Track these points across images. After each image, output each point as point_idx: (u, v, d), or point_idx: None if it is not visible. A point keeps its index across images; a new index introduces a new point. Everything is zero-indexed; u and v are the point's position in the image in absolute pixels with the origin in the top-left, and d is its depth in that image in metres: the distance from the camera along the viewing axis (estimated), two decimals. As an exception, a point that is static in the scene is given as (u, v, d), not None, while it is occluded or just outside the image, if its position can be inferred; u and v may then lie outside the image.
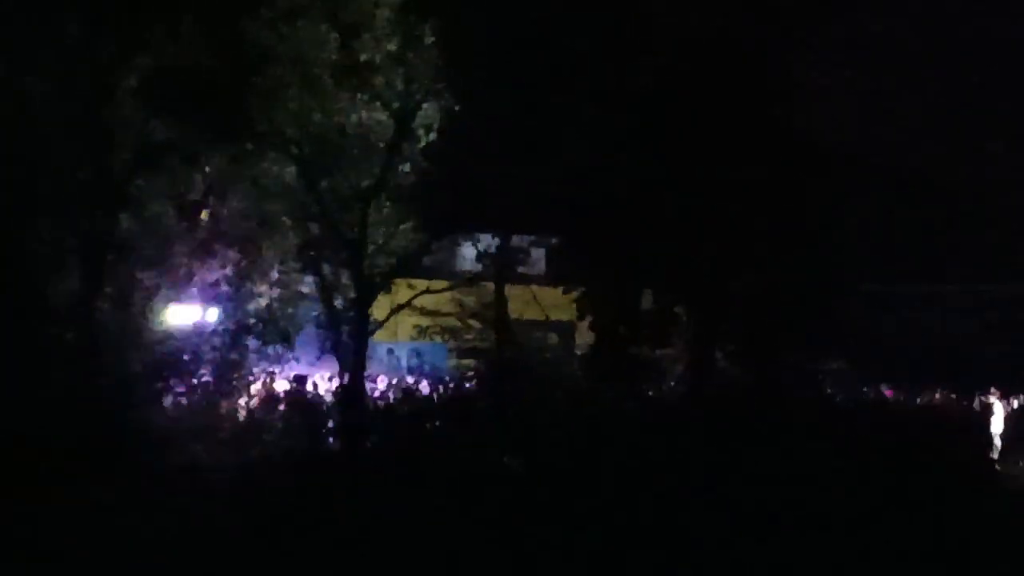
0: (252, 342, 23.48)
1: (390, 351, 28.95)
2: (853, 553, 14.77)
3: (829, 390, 26.57)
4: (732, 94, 23.63)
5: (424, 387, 25.91)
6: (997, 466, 23.00)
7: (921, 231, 28.93)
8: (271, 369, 24.54)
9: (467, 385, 26.31)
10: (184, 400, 22.75)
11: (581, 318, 26.14)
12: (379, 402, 24.12)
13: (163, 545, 13.62)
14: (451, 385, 26.58)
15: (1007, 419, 24.43)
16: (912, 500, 18.12)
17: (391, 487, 17.77)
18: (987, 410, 24.00)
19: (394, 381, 26.55)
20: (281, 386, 24.60)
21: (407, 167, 23.01)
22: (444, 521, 15.40)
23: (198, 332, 23.55)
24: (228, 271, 22.96)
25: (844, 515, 16.57)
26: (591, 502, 16.53)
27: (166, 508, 15.96)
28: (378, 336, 25.64)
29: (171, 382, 22.94)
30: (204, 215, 22.89)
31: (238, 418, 22.17)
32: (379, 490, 17.70)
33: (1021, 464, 23.67)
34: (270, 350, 23.78)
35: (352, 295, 23.53)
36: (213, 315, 23.75)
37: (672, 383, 26.10)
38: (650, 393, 25.16)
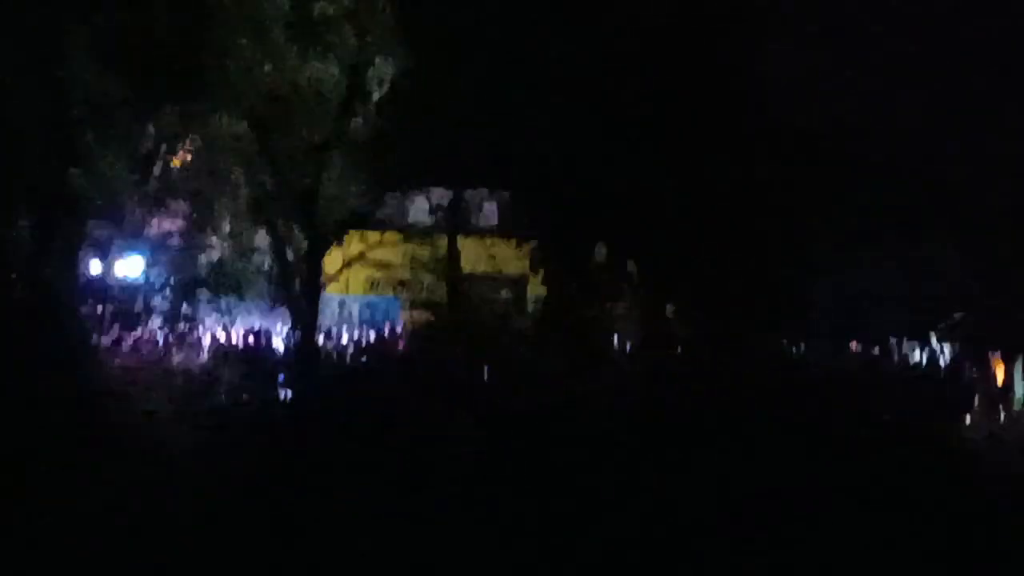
0: (204, 295, 24.33)
1: (342, 304, 28.12)
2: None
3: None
4: (691, 56, 23.40)
5: (374, 340, 25.45)
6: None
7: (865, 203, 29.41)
8: (223, 322, 25.05)
9: (418, 340, 25.41)
10: (136, 353, 22.75)
11: (533, 272, 25.87)
12: (333, 355, 23.67)
13: (115, 499, 13.20)
14: (402, 339, 25.79)
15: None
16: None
17: (338, 441, 17.44)
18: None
19: (344, 335, 25.86)
20: (234, 339, 24.41)
21: (360, 121, 22.63)
22: (389, 477, 14.97)
23: (150, 285, 24.63)
24: (180, 224, 23.90)
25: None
26: (536, 458, 15.97)
27: (117, 463, 15.43)
28: (330, 289, 25.66)
29: (123, 335, 23.35)
30: (156, 169, 22.87)
31: (190, 371, 21.73)
32: (326, 443, 17.43)
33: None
34: (222, 303, 24.69)
35: (304, 248, 23.36)
36: (166, 268, 24.69)
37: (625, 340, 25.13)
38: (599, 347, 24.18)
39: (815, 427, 18.35)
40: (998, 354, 21.73)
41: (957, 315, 26.08)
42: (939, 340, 24.89)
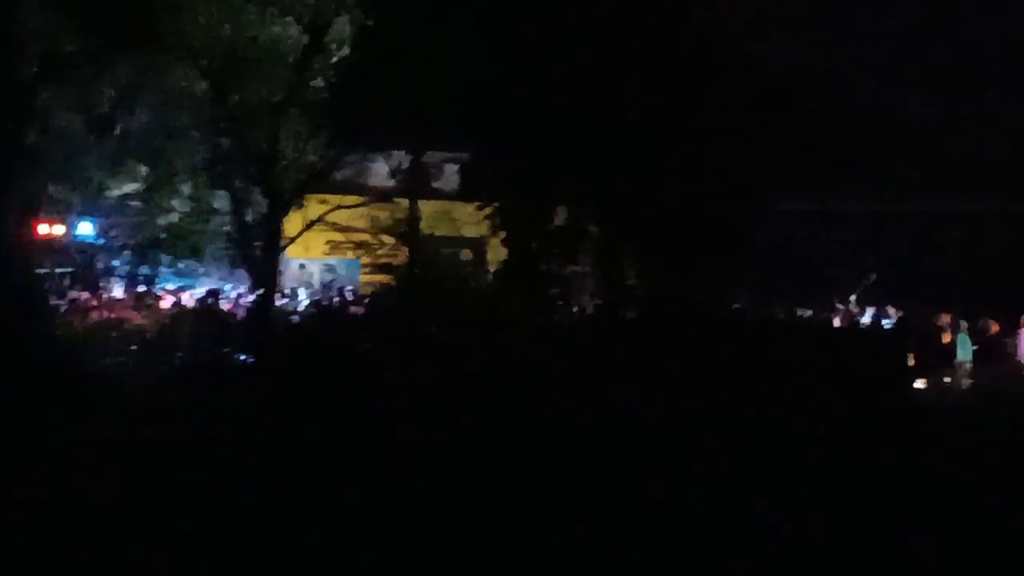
0: (163, 257, 24.29)
1: (302, 266, 28.93)
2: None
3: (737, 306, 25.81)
4: (648, 12, 23.08)
5: (335, 301, 25.63)
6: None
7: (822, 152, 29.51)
8: (181, 284, 25.45)
9: (378, 301, 25.29)
10: (95, 314, 22.64)
11: (494, 234, 25.37)
12: (293, 317, 23.92)
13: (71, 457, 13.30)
14: (363, 300, 25.99)
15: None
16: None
17: (296, 401, 17.28)
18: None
19: (303, 298, 26.43)
20: (191, 301, 24.38)
21: (319, 82, 22.62)
22: (346, 435, 15.03)
23: (108, 247, 24.85)
24: (138, 185, 23.32)
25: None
26: (492, 413, 16.03)
27: (75, 422, 15.39)
28: (290, 252, 26.16)
29: (80, 296, 23.50)
30: (115, 129, 22.71)
31: (147, 332, 21.58)
32: (284, 403, 17.25)
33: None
34: (181, 265, 24.80)
35: (263, 210, 23.37)
36: (124, 230, 24.51)
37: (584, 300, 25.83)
38: (559, 306, 24.54)
39: (756, 380, 18.18)
40: (943, 315, 22.47)
41: (871, 277, 26.63)
42: (858, 302, 25.32)
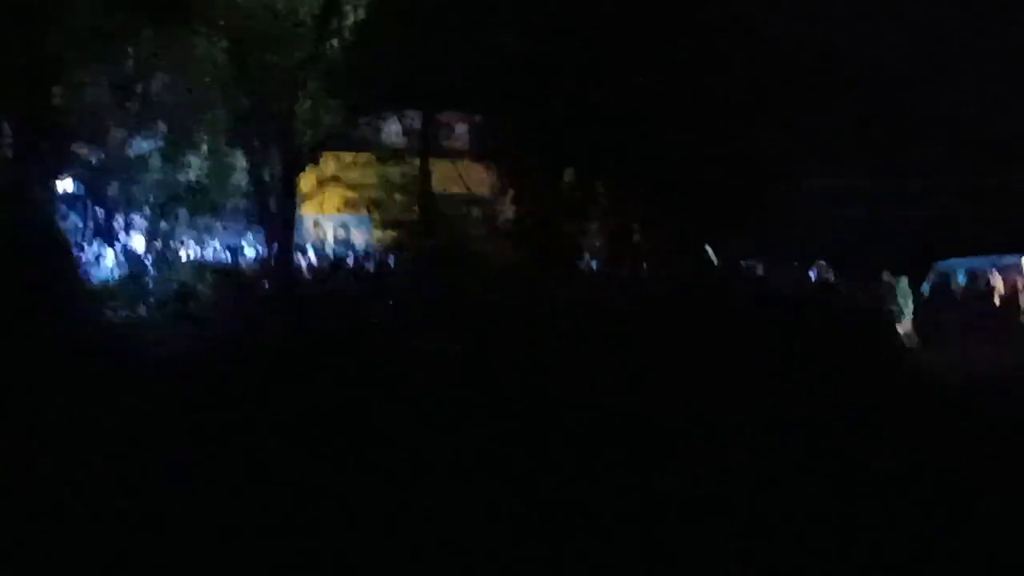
0: (183, 214, 24.33)
1: (316, 223, 28.90)
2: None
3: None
4: None
5: (351, 260, 26.01)
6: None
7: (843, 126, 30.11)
8: (202, 239, 26.02)
9: (390, 256, 26.06)
10: (114, 269, 23.24)
11: (503, 193, 25.97)
12: (308, 274, 24.30)
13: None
14: (377, 259, 26.40)
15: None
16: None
17: (311, 346, 17.60)
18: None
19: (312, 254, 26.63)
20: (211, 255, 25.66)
21: (334, 44, 22.77)
22: (371, 402, 14.41)
23: (129, 202, 24.66)
24: (159, 143, 23.47)
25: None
26: (522, 384, 15.59)
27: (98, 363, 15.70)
28: (305, 209, 26.23)
29: (103, 249, 23.79)
30: (137, 89, 22.98)
31: (170, 285, 21.69)
32: (302, 361, 16.86)
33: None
34: (200, 221, 24.96)
35: (280, 168, 23.47)
36: (147, 188, 24.27)
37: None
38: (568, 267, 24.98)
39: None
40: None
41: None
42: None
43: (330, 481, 10.37)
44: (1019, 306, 22.26)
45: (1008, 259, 23.56)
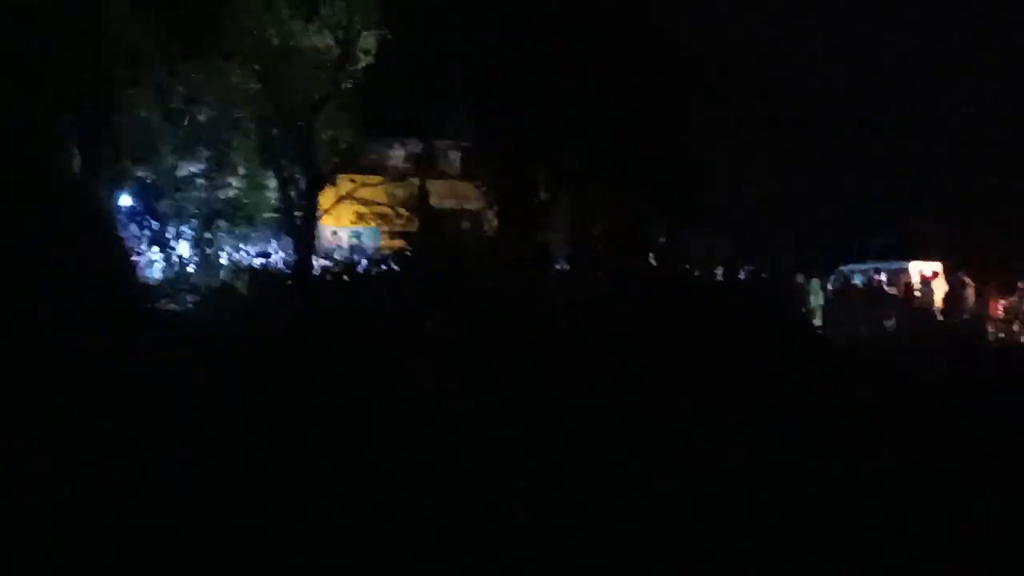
0: (223, 225, 24.73)
1: (334, 233, 29.05)
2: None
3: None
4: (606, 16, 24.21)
5: (363, 263, 25.02)
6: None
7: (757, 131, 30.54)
8: (238, 246, 25.71)
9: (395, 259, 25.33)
10: (166, 270, 23.82)
11: (489, 207, 26.76)
12: (327, 274, 23.70)
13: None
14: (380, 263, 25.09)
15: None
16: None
17: (330, 340, 17.00)
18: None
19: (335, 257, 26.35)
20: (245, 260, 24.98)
21: (349, 83, 23.46)
22: (371, 370, 14.40)
23: (177, 215, 24.80)
24: (203, 166, 24.12)
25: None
26: (501, 355, 15.10)
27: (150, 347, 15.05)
28: (324, 221, 26.40)
29: (154, 255, 24.20)
30: (185, 120, 23.52)
31: (211, 284, 22.24)
32: (318, 341, 18.01)
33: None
34: (236, 231, 25.23)
35: (303, 187, 24.10)
36: (191, 202, 24.64)
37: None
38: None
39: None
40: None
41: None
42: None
43: (349, 438, 10.61)
44: (893, 295, 24.14)
45: (886, 264, 26.62)
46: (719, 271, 25.08)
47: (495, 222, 26.63)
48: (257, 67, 22.52)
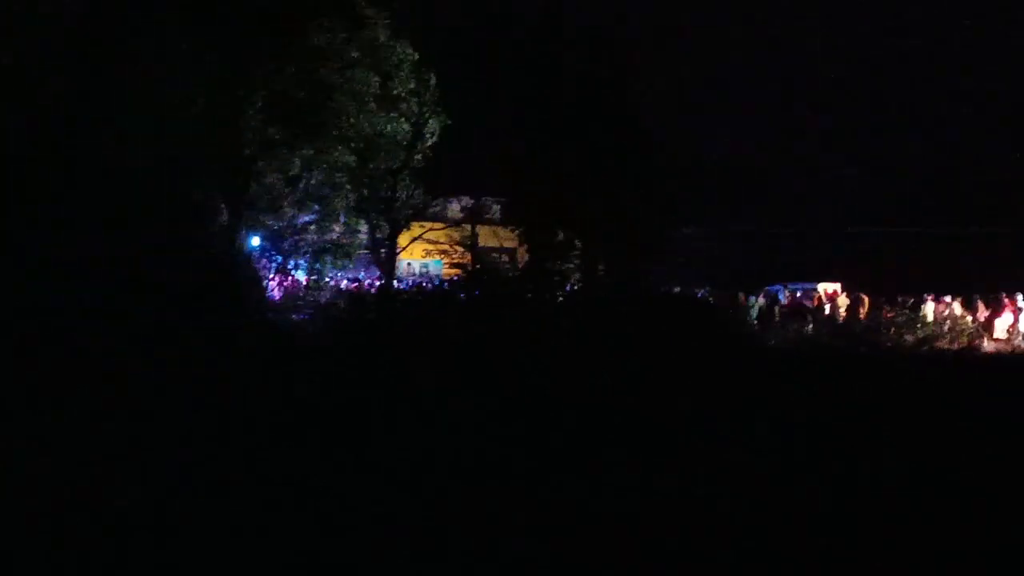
0: (329, 259, 25.73)
1: (408, 264, 30.91)
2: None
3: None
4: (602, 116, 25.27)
5: (428, 285, 24.97)
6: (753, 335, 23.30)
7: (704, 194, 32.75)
8: (339, 274, 27.27)
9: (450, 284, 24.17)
10: (283, 291, 24.99)
11: (521, 246, 28.41)
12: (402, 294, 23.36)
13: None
14: (443, 284, 24.82)
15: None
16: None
17: (403, 341, 16.75)
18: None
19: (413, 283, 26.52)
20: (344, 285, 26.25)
21: (419, 156, 25.39)
22: (427, 361, 14.29)
23: (295, 252, 25.81)
24: (314, 216, 25.19)
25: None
26: (526, 355, 15.20)
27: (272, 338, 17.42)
28: (402, 256, 28.00)
29: (279, 280, 25.29)
30: (301, 184, 24.58)
31: (319, 300, 23.26)
32: (395, 342, 16.76)
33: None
34: (339, 264, 26.36)
35: (387, 231, 25.99)
36: (306, 243, 25.45)
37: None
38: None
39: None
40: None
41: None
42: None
43: (413, 398, 11.63)
44: (808, 307, 24.92)
45: (804, 285, 27.81)
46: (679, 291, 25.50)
47: (526, 257, 27.59)
48: (353, 146, 23.70)
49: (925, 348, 22.39)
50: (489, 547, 6.03)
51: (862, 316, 23.68)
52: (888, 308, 24.10)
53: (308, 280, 26.04)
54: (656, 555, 6.26)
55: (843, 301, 25.44)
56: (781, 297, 27.25)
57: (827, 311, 25.06)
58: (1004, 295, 23.32)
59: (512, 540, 6.19)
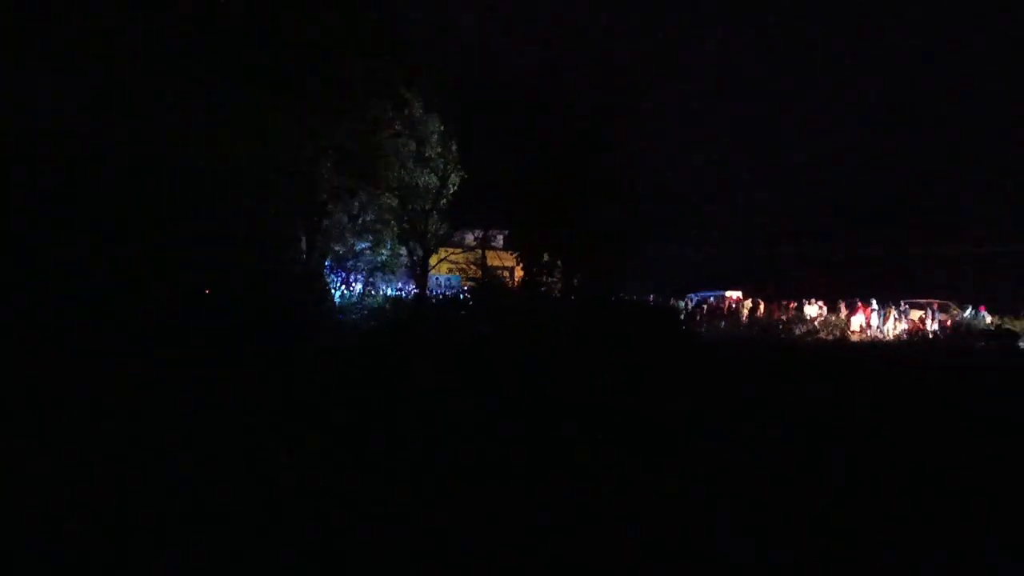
0: (379, 275, 27.29)
1: (436, 279, 31.56)
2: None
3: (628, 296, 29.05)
4: (586, 170, 26.77)
5: (450, 294, 27.82)
6: (684, 328, 25.90)
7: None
8: (386, 286, 28.58)
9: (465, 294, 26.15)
10: (344, 298, 25.39)
11: (517, 265, 29.07)
12: (433, 300, 25.73)
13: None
14: (460, 294, 27.06)
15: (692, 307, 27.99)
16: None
17: (431, 333, 19.06)
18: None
19: (440, 292, 29.26)
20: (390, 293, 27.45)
21: (444, 200, 27.08)
22: (442, 353, 15.73)
23: (354, 269, 27.12)
24: (368, 244, 26.70)
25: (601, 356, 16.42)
26: (522, 344, 17.22)
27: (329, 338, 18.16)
28: (432, 272, 29.21)
29: (342, 290, 25.95)
30: (359, 220, 25.71)
31: (372, 306, 24.29)
32: (424, 333, 19.02)
33: (699, 329, 26.77)
34: (387, 278, 28.07)
35: (420, 254, 27.39)
36: (362, 263, 26.81)
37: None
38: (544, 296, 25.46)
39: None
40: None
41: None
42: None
43: (441, 381, 11.61)
44: (722, 309, 26.54)
45: (715, 292, 29.36)
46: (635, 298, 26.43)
47: (521, 274, 28.34)
48: (396, 192, 25.47)
49: (809, 339, 24.94)
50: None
51: (760, 315, 26.25)
52: (778, 309, 26.64)
53: (364, 290, 27.14)
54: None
55: (747, 304, 27.61)
56: (695, 299, 29.07)
57: (735, 311, 27.33)
58: (858, 300, 26.10)
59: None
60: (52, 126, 14.64)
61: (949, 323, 26.73)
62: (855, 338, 25.40)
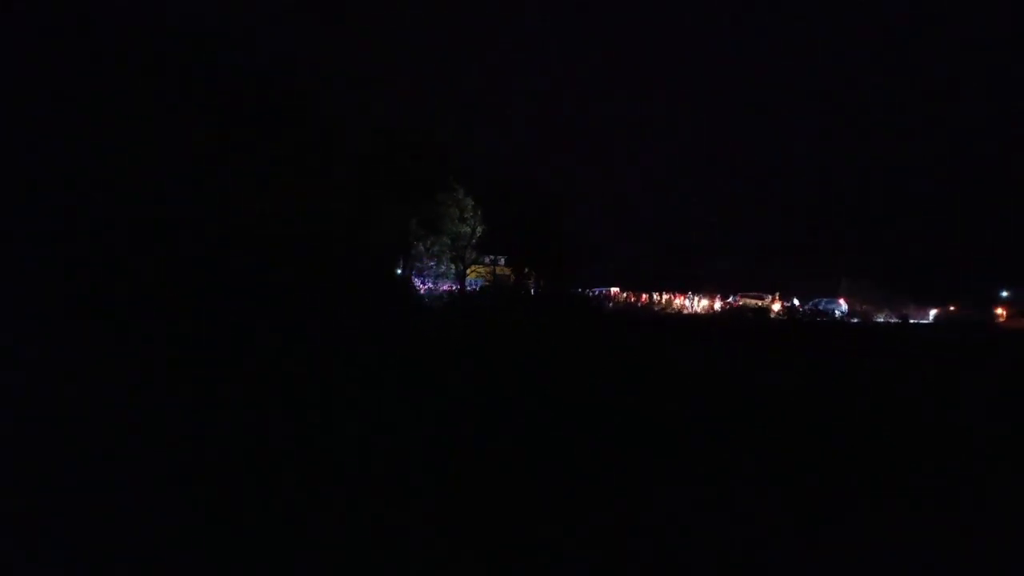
0: (439, 280, 37.95)
1: (470, 281, 40.54)
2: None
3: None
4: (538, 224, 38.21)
5: (476, 288, 38.60)
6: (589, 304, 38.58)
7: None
8: (444, 286, 38.76)
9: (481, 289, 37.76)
10: (423, 292, 35.42)
11: (513, 275, 40.66)
12: (468, 291, 36.94)
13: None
14: (479, 289, 38.08)
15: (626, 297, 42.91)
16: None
17: (471, 316, 25.47)
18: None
19: (471, 287, 39.02)
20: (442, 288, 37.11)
21: (474, 240, 39.31)
22: (479, 328, 19.61)
23: (427, 275, 38.14)
24: (434, 261, 37.94)
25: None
26: (519, 327, 21.19)
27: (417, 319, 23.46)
28: (468, 278, 40.31)
29: (423, 288, 36.39)
30: (427, 243, 35.73)
31: (439, 296, 34.05)
32: (467, 316, 25.40)
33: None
34: (442, 282, 38.50)
35: (462, 268, 39.53)
36: (427, 272, 37.16)
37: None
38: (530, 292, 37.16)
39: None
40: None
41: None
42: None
43: (475, 356, 13.31)
44: (607, 298, 40.54)
45: (602, 288, 42.04)
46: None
47: (514, 278, 40.39)
48: (449, 236, 37.55)
49: (645, 310, 42.91)
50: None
51: (632, 301, 43.81)
52: (645, 298, 43.74)
53: (434, 286, 37.79)
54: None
55: (623, 296, 45.13)
56: (597, 292, 44.85)
57: (614, 298, 44.41)
58: (677, 291, 45.84)
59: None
60: (256, 227, 18.38)
61: (743, 303, 47.09)
62: (672, 310, 44.37)
